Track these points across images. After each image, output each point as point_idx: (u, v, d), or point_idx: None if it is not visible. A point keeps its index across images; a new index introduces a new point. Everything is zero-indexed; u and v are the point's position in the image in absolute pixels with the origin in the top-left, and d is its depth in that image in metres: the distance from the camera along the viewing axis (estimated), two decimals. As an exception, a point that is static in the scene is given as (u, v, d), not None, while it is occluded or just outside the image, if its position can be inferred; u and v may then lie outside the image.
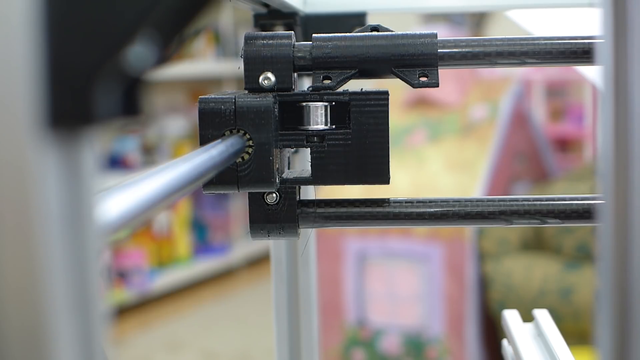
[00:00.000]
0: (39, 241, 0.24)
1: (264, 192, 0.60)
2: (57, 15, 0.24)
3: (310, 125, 0.58)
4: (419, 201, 0.61)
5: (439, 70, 0.59)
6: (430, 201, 0.61)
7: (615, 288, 0.31)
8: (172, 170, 0.37)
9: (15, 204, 0.24)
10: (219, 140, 0.53)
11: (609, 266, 0.31)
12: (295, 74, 0.59)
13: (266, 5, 0.73)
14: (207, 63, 3.66)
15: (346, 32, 0.60)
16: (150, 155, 3.44)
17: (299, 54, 0.59)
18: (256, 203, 0.60)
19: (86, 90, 0.25)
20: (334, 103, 0.59)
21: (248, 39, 0.58)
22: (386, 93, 0.58)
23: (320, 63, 0.59)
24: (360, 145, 0.58)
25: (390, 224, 0.61)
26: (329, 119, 0.58)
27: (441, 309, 2.16)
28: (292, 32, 0.60)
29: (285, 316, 0.82)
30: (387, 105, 0.58)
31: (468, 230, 2.13)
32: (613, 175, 0.31)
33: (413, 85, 0.59)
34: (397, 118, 2.37)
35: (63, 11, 0.25)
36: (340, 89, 0.59)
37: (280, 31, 0.70)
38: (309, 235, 0.82)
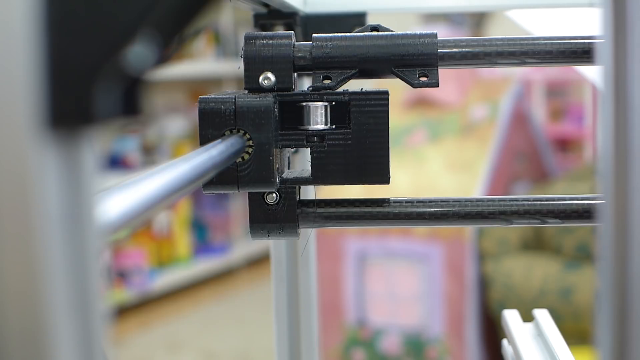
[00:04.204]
0: (39, 241, 0.24)
1: (264, 192, 0.60)
2: (57, 15, 0.24)
3: (310, 125, 0.58)
4: (419, 201, 0.61)
5: (439, 70, 0.59)
6: (430, 201, 0.61)
7: (615, 288, 0.31)
8: (172, 170, 0.37)
9: (15, 204, 0.24)
10: (219, 140, 0.53)
11: (609, 266, 0.31)
12: (295, 74, 0.59)
13: (266, 5, 0.73)
14: (207, 63, 3.66)
15: (346, 32, 0.60)
16: (150, 155, 3.44)
17: (299, 54, 0.59)
18: (256, 203, 0.60)
19: (86, 90, 0.25)
20: (334, 103, 0.58)
21: (248, 39, 0.58)
22: (386, 93, 0.58)
23: (320, 63, 0.59)
24: (360, 145, 0.58)
25: (390, 224, 0.61)
26: (329, 119, 0.58)
27: (441, 309, 2.16)
28: (292, 32, 0.59)
29: (285, 316, 0.82)
30: (387, 105, 0.58)
31: (468, 230, 2.13)
32: (613, 175, 0.31)
33: (413, 85, 0.59)
34: (397, 118, 2.37)
35: (63, 11, 0.25)
36: (340, 89, 0.59)
37: (280, 31, 0.70)
38: (309, 235, 0.82)
